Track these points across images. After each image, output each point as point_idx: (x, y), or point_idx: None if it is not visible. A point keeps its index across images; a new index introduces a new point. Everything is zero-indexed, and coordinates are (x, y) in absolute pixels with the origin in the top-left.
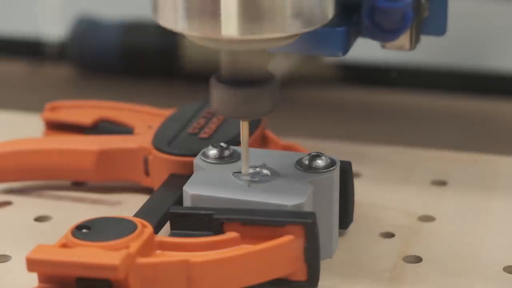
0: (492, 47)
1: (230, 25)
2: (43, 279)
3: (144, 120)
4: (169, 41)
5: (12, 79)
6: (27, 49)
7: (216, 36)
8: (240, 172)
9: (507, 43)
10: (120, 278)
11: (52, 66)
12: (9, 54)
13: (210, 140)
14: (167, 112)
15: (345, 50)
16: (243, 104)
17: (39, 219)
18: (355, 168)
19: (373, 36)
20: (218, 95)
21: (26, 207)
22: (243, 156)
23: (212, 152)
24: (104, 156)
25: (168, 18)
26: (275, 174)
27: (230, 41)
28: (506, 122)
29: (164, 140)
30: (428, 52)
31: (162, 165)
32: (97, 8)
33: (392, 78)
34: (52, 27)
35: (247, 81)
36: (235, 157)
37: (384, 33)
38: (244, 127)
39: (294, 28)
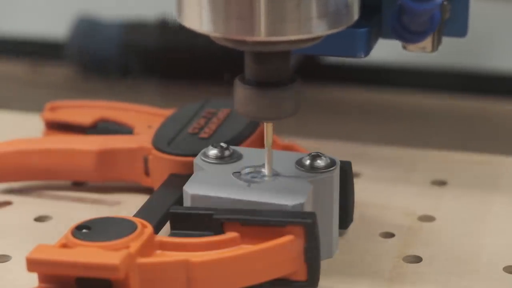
0: (492, 47)
1: (255, 26)
2: (43, 279)
3: (144, 120)
4: (169, 41)
5: (12, 79)
6: (27, 49)
7: (242, 38)
8: (239, 172)
9: (507, 43)
10: (120, 278)
11: (52, 66)
12: (10, 54)
13: (210, 140)
14: (167, 112)
15: (367, 51)
16: (268, 105)
17: (39, 219)
18: (355, 168)
19: (399, 37)
20: (242, 96)
21: (26, 207)
22: (266, 157)
23: (212, 152)
24: (104, 156)
25: (193, 20)
26: (275, 174)
27: (255, 42)
28: (506, 122)
29: (164, 140)
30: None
31: (162, 165)
32: (97, 8)
33: (392, 78)
34: (52, 27)
35: (271, 82)
36: (235, 157)
37: (411, 34)
38: (268, 128)
39: (319, 29)
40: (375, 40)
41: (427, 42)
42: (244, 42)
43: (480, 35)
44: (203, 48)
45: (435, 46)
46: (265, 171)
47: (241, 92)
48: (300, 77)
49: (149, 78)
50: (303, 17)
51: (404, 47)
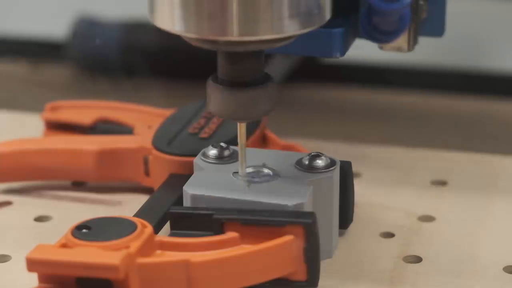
0: (492, 47)
1: (227, 26)
2: (43, 279)
3: (144, 120)
4: (169, 41)
5: (12, 79)
6: (27, 49)
7: (213, 38)
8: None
9: (507, 43)
10: (120, 278)
11: (52, 66)
12: (9, 54)
13: (210, 140)
14: (167, 112)
15: (343, 51)
16: (240, 106)
17: (39, 219)
18: (355, 168)
19: (370, 38)
20: (215, 96)
21: (26, 207)
22: (240, 158)
23: (212, 152)
24: (104, 156)
25: (165, 20)
26: (275, 174)
27: (227, 42)
28: (506, 122)
29: (164, 140)
30: (428, 52)
31: (162, 165)
32: (97, 8)
33: (392, 78)
34: (52, 27)
35: (244, 82)
36: (235, 157)
37: (382, 34)
38: (241, 128)
39: (291, 29)
40: (352, 40)
41: (403, 42)
42: (216, 42)
43: (480, 35)
44: (203, 48)
45: (411, 45)
46: (240, 171)
47: (213, 91)
48: (272, 77)
49: (149, 78)
50: (275, 16)
51: (381, 47)
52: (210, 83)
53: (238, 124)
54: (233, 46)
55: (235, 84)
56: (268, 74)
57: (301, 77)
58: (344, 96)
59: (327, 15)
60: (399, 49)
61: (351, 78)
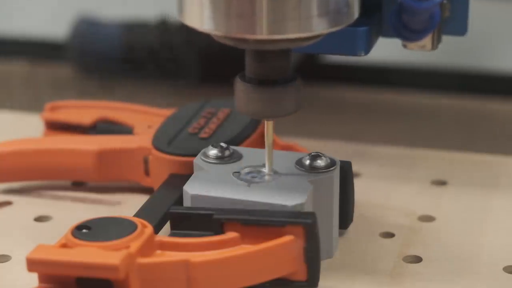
0: (492, 47)
1: (256, 25)
2: (43, 279)
3: (144, 120)
4: (169, 41)
5: (12, 79)
6: (27, 49)
7: (242, 36)
8: (239, 172)
9: (507, 43)
10: (120, 278)
11: (52, 66)
12: (9, 54)
13: (210, 140)
14: (167, 112)
15: (367, 50)
16: (269, 103)
17: (39, 219)
18: (355, 168)
19: (399, 36)
20: (243, 95)
21: (26, 207)
22: (266, 157)
23: (212, 152)
24: (104, 156)
25: (194, 18)
26: (275, 174)
27: (256, 41)
28: (506, 122)
29: (164, 140)
30: (428, 52)
31: (162, 165)
32: (97, 8)
33: (392, 78)
34: (52, 27)
35: (272, 80)
36: (235, 157)
37: (411, 33)
38: (268, 127)
39: (320, 28)
40: (375, 38)
41: (427, 40)
42: (245, 40)
43: (480, 35)
44: (203, 48)
45: (435, 44)
46: (266, 170)
47: (241, 90)
48: (299, 76)
49: (149, 78)
50: (303, 15)
51: (404, 46)
52: (237, 81)
53: (266, 122)
54: (262, 44)
55: (263, 82)
56: (295, 73)
57: (301, 77)
58: (344, 96)
59: (356, 13)
60: (423, 48)
61: (351, 78)
